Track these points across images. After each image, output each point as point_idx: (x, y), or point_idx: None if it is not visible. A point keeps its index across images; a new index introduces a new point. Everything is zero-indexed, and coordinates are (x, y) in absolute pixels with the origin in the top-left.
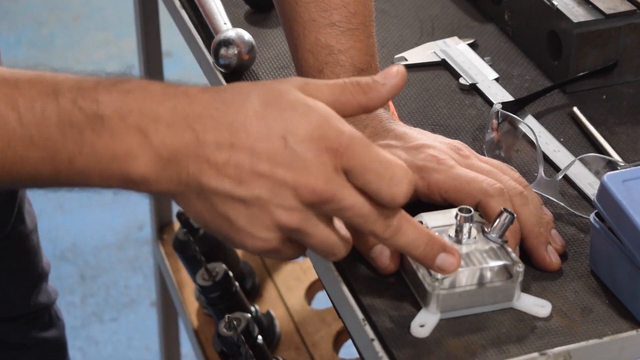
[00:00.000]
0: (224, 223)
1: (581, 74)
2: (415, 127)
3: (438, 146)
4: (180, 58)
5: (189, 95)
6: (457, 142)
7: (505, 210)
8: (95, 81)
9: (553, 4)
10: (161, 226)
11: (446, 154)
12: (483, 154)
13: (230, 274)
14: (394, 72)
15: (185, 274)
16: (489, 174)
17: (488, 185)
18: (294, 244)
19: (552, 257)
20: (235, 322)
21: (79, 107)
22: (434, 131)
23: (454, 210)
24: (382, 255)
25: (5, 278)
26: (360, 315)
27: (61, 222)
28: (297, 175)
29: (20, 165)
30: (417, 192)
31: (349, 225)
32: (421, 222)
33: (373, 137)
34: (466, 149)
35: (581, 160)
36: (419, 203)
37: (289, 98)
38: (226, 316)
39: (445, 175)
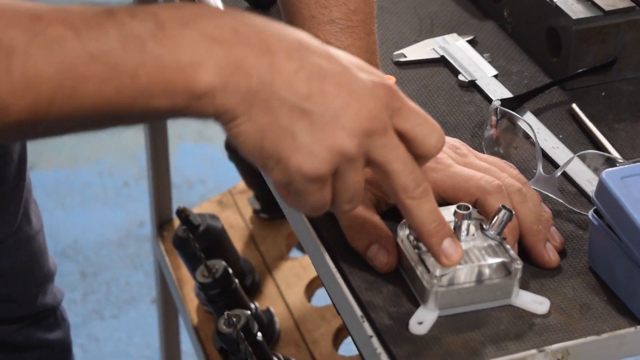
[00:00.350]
0: (286, 138)
1: (580, 70)
2: None
3: None
4: None
5: (245, 16)
6: (454, 141)
7: (504, 207)
8: (152, 7)
9: (552, 1)
10: (161, 223)
11: (444, 152)
12: (482, 151)
13: (230, 271)
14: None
15: (185, 271)
16: (487, 171)
17: (486, 183)
18: (330, 186)
19: (550, 254)
20: (234, 319)
21: (138, 19)
22: None
23: (452, 208)
24: (380, 254)
25: (10, 278)
26: (359, 312)
27: (62, 219)
28: (360, 100)
29: (82, 85)
30: None
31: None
32: None
33: None
34: (464, 147)
35: (580, 157)
36: None
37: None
38: (226, 313)
39: (443, 174)
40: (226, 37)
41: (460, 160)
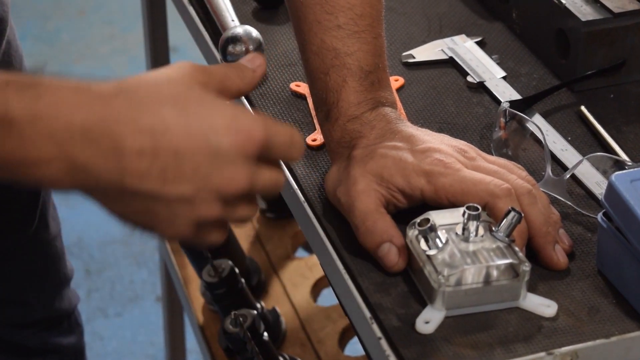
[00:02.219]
0: (144, 218)
1: (589, 72)
2: (422, 125)
3: (444, 149)
4: (187, 53)
5: (103, 98)
6: (463, 144)
7: (513, 209)
8: (5, 81)
9: (561, 2)
10: None
11: (452, 157)
12: (490, 153)
13: (237, 270)
14: (258, 62)
15: (190, 270)
16: (495, 174)
17: (495, 187)
18: (215, 230)
19: (559, 256)
20: (241, 319)
21: None
22: (441, 129)
23: (462, 209)
24: (390, 253)
25: (26, 283)
26: (368, 314)
27: (66, 216)
28: (222, 172)
29: None
30: (425, 197)
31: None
32: (429, 220)
33: (380, 139)
34: (472, 151)
35: (589, 159)
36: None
37: (196, 95)
38: (232, 312)
39: (452, 178)
40: (74, 141)
41: (468, 164)
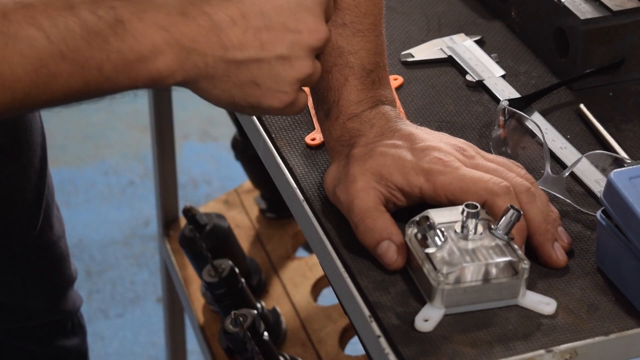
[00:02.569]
0: (252, 90)
1: (588, 70)
2: (421, 124)
3: (443, 147)
4: None
5: None
6: (461, 142)
7: (512, 207)
8: None
9: (560, 1)
10: (167, 222)
11: (451, 155)
12: (489, 151)
13: (237, 270)
14: None
15: (191, 270)
16: (494, 172)
17: (494, 185)
18: (303, 91)
19: (558, 254)
20: (241, 319)
21: (98, 16)
22: (440, 128)
23: (461, 207)
24: (389, 251)
25: (30, 285)
26: (367, 312)
27: (67, 217)
28: (304, 22)
29: (53, 82)
30: (424, 195)
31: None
32: (428, 218)
33: (379, 137)
34: (471, 149)
35: (588, 157)
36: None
37: None
38: (232, 312)
39: (451, 177)
40: (177, 24)
41: (467, 162)
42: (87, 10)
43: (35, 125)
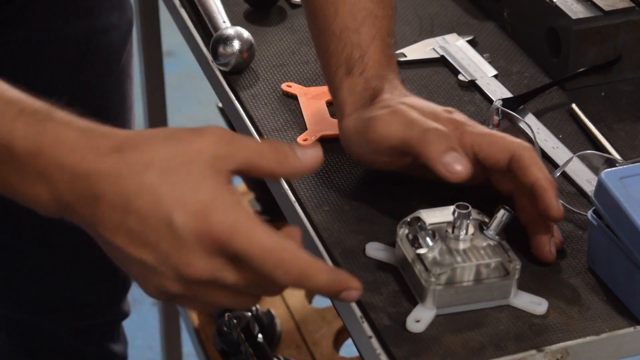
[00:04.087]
0: (123, 265)
1: (580, 70)
2: None
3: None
4: (182, 58)
5: (98, 151)
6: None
7: (504, 207)
8: (19, 110)
9: (552, 1)
10: None
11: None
12: None
13: None
14: (313, 154)
15: None
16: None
17: (520, 142)
18: (190, 302)
19: (551, 247)
20: (235, 321)
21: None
22: None
23: (452, 207)
24: (457, 161)
25: (99, 283)
26: (359, 313)
27: None
28: (180, 253)
29: None
30: None
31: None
32: (419, 219)
33: (402, 98)
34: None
35: (579, 157)
36: (421, 197)
37: (190, 169)
38: (226, 314)
39: (480, 129)
40: (64, 181)
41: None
42: (22, 123)
43: None
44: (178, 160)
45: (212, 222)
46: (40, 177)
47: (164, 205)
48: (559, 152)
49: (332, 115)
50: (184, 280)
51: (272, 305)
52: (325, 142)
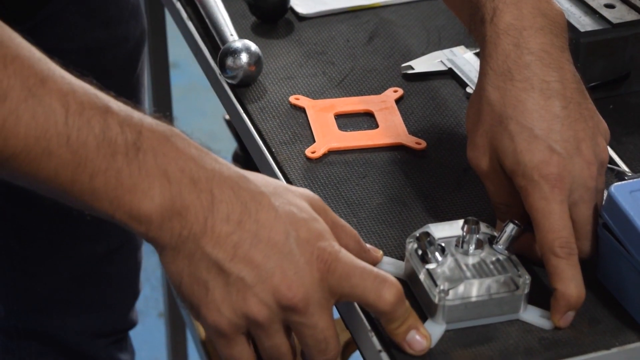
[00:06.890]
0: (200, 290)
1: (591, 85)
2: (422, 136)
3: None
4: (187, 69)
5: (219, 162)
6: None
7: (512, 221)
8: (141, 117)
9: None
10: None
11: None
12: None
13: None
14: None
15: None
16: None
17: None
18: (244, 344)
19: (562, 320)
20: None
21: (122, 130)
22: (440, 140)
23: (460, 221)
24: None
25: (113, 288)
26: (368, 326)
27: None
28: (285, 274)
29: (45, 159)
30: None
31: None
32: (428, 234)
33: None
34: None
35: None
36: (430, 210)
37: (300, 204)
38: None
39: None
40: (183, 183)
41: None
42: (116, 120)
43: None
44: (290, 195)
45: (323, 247)
46: (161, 177)
47: (281, 223)
48: None
49: (340, 127)
50: (276, 305)
51: None
52: (333, 154)
